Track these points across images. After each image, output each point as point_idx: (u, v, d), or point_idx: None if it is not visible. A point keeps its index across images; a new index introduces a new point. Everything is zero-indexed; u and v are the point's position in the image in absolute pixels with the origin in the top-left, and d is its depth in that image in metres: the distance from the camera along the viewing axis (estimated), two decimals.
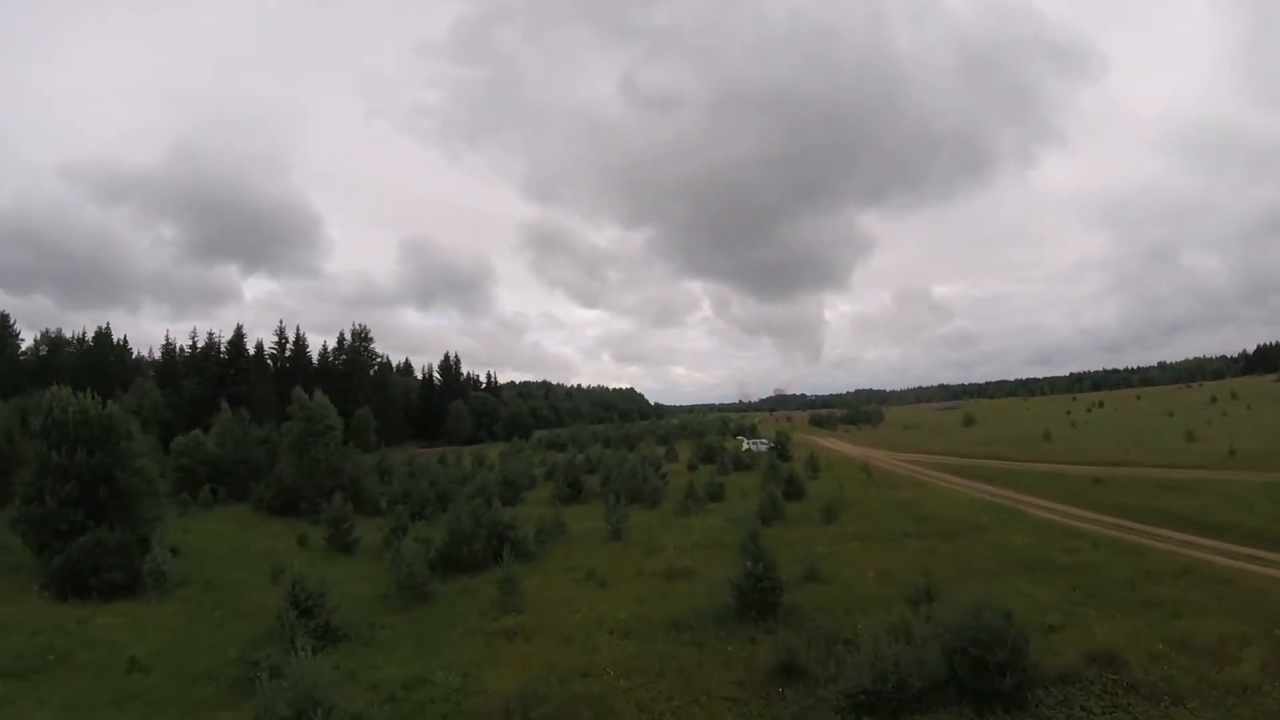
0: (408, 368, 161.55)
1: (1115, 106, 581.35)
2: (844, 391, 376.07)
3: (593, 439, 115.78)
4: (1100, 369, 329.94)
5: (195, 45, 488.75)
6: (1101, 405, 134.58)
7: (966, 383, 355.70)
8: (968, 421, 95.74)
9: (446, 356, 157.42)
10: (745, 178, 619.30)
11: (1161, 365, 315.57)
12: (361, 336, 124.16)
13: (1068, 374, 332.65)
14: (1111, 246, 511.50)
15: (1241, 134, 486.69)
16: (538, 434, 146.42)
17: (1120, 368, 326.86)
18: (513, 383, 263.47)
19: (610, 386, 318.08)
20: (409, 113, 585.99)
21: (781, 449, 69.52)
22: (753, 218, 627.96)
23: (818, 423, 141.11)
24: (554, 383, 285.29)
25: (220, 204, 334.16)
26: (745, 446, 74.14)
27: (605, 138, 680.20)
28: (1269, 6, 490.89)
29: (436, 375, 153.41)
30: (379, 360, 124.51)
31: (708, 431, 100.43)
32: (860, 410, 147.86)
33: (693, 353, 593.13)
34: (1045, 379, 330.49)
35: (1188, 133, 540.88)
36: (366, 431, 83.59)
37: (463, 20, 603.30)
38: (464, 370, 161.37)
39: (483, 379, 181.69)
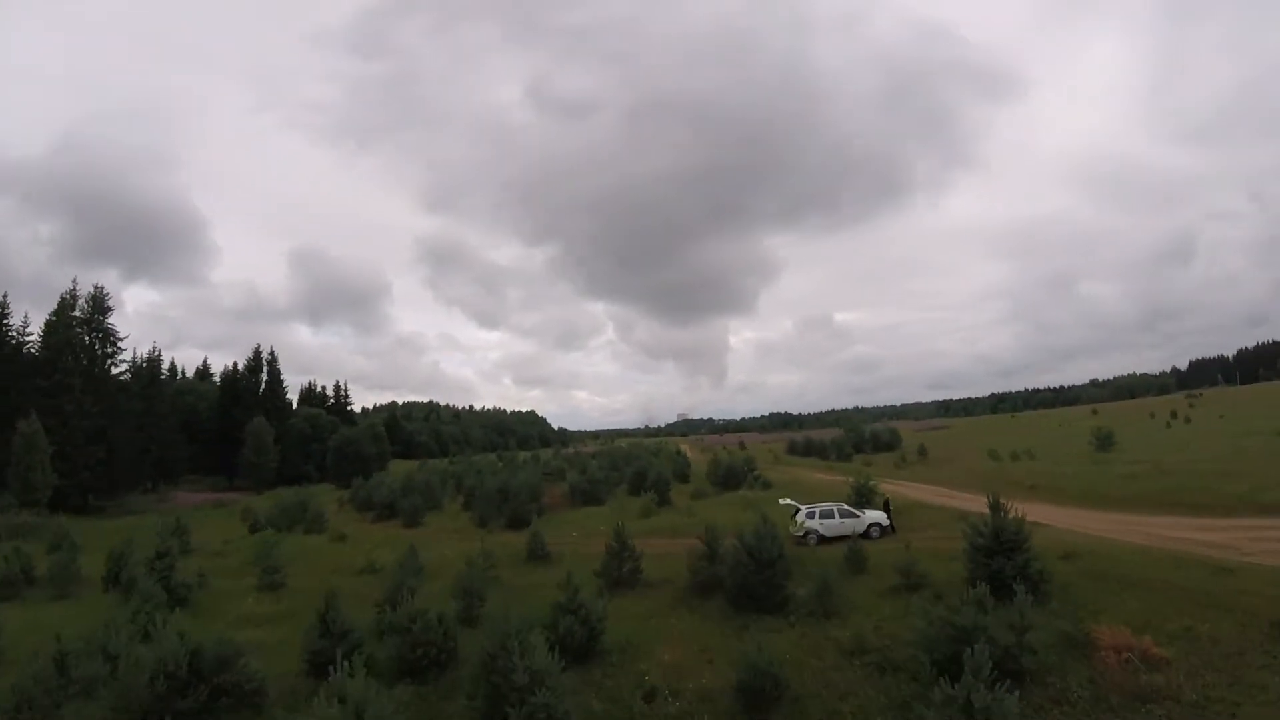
0: (205, 370, 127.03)
1: (1030, 136, 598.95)
2: (751, 415, 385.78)
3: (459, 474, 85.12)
4: (995, 392, 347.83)
5: (83, 28, 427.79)
6: (1181, 413, 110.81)
7: (869, 406, 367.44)
8: (1104, 444, 69.24)
9: (257, 352, 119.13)
10: (656, 195, 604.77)
11: (1094, 382, 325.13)
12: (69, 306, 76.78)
13: (988, 394, 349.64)
14: (1012, 275, 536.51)
15: (1142, 169, 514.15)
16: (404, 465, 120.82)
17: (1010, 390, 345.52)
18: (394, 402, 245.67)
19: (509, 410, 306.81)
20: (301, 108, 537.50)
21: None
22: (661, 238, 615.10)
23: (796, 451, 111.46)
24: (442, 404, 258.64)
25: (103, 201, 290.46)
26: (805, 521, 36.63)
27: (509, 145, 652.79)
28: (1177, 52, 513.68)
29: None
30: (115, 350, 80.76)
31: (650, 464, 71.14)
32: (861, 434, 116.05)
33: (596, 376, 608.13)
34: (962, 399, 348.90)
35: (1093, 166, 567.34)
36: (30, 460, 49.19)
37: (363, 10, 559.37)
38: (284, 376, 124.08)
39: (328, 391, 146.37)
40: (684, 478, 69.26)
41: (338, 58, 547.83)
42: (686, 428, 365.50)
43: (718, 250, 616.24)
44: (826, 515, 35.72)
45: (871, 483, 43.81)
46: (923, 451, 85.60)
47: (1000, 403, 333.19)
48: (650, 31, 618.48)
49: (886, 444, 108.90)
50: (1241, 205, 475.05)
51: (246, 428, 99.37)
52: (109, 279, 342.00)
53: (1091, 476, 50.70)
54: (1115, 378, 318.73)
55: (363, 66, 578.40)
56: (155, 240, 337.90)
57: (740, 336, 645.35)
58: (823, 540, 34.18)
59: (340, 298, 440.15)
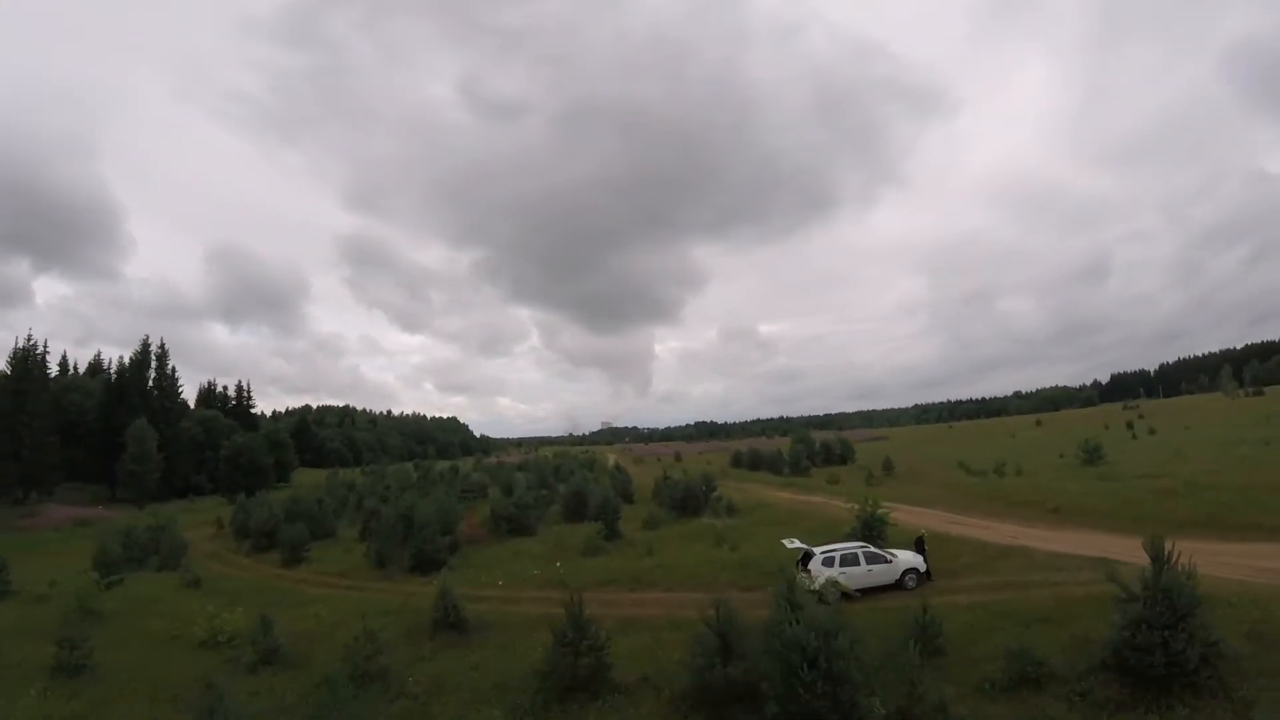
0: (98, 366, 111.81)
1: (956, 155, 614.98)
2: (676, 424, 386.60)
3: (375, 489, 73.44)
4: (914, 404, 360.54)
5: None
6: (1134, 425, 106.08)
7: (793, 415, 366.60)
8: (1092, 457, 63.16)
9: (145, 345, 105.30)
10: (585, 201, 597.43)
11: (1018, 394, 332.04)
12: None
13: (911, 405, 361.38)
14: (933, 290, 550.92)
15: (1063, 190, 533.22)
16: (313, 475, 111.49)
17: (933, 401, 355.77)
18: (308, 406, 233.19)
19: (429, 416, 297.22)
20: (224, 98, 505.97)
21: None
22: (589, 244, 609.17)
23: (741, 464, 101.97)
24: (360, 409, 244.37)
25: (13, 187, 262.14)
26: (821, 570, 26.19)
27: (438, 145, 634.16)
28: (1103, 78, 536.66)
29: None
30: None
31: (586, 481, 60.83)
32: (811, 445, 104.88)
33: (520, 384, 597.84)
34: (885, 410, 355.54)
35: (1016, 186, 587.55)
36: None
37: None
38: (179, 373, 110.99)
39: (230, 392, 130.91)
40: (628, 497, 59.88)
41: (264, 47, 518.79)
42: (611, 436, 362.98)
43: (645, 259, 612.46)
44: (849, 561, 26.45)
45: (881, 510, 34.46)
46: (889, 466, 77.43)
47: (924, 413, 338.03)
48: (586, 35, 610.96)
49: (839, 456, 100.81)
50: (1157, 227, 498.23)
51: (127, 431, 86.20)
52: (20, 269, 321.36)
53: (1114, 495, 42.70)
54: (1039, 390, 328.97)
55: (290, 57, 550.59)
56: (68, 230, 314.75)
57: (665, 345, 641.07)
58: (845, 596, 24.61)
59: (258, 296, 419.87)
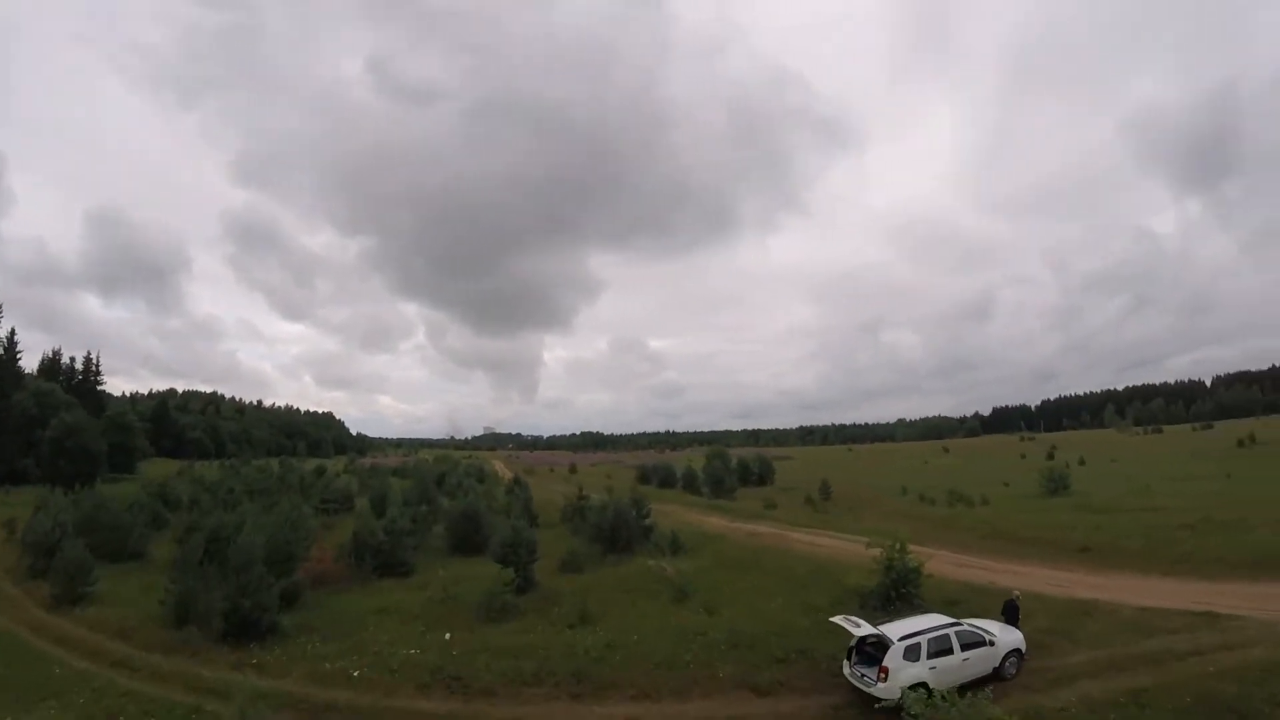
0: None
1: (858, 190, 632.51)
2: (560, 432, 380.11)
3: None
4: (799, 425, 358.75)
5: None
6: (1083, 462, 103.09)
7: (680, 430, 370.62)
8: (1058, 486, 57.12)
9: None
10: (485, 197, 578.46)
11: (903, 421, 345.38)
12: None
13: (796, 426, 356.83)
14: (823, 317, 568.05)
15: (955, 233, 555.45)
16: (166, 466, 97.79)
17: (817, 424, 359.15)
18: (174, 390, 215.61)
19: (304, 410, 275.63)
20: (124, 48, 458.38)
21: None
22: (484, 243, 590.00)
23: (649, 480, 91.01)
24: (229, 397, 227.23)
25: None
26: (901, 664, 17.23)
27: (341, 124, 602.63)
28: (1007, 131, 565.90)
29: None
30: None
31: (479, 497, 48.95)
32: (726, 461, 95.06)
33: (403, 382, 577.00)
34: (770, 429, 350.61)
35: (911, 224, 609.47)
36: None
37: None
38: (18, 337, 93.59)
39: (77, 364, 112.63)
40: (531, 518, 48.23)
41: None
42: (494, 441, 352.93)
43: (542, 262, 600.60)
44: (940, 649, 17.69)
45: (910, 558, 25.12)
46: (826, 491, 68.79)
47: (809, 434, 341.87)
48: (509, 29, 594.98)
49: (758, 476, 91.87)
50: (1042, 274, 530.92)
51: None
52: None
53: (1135, 532, 35.84)
54: (924, 418, 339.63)
55: (202, 13, 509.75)
56: None
57: (554, 352, 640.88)
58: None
59: (136, 268, 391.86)
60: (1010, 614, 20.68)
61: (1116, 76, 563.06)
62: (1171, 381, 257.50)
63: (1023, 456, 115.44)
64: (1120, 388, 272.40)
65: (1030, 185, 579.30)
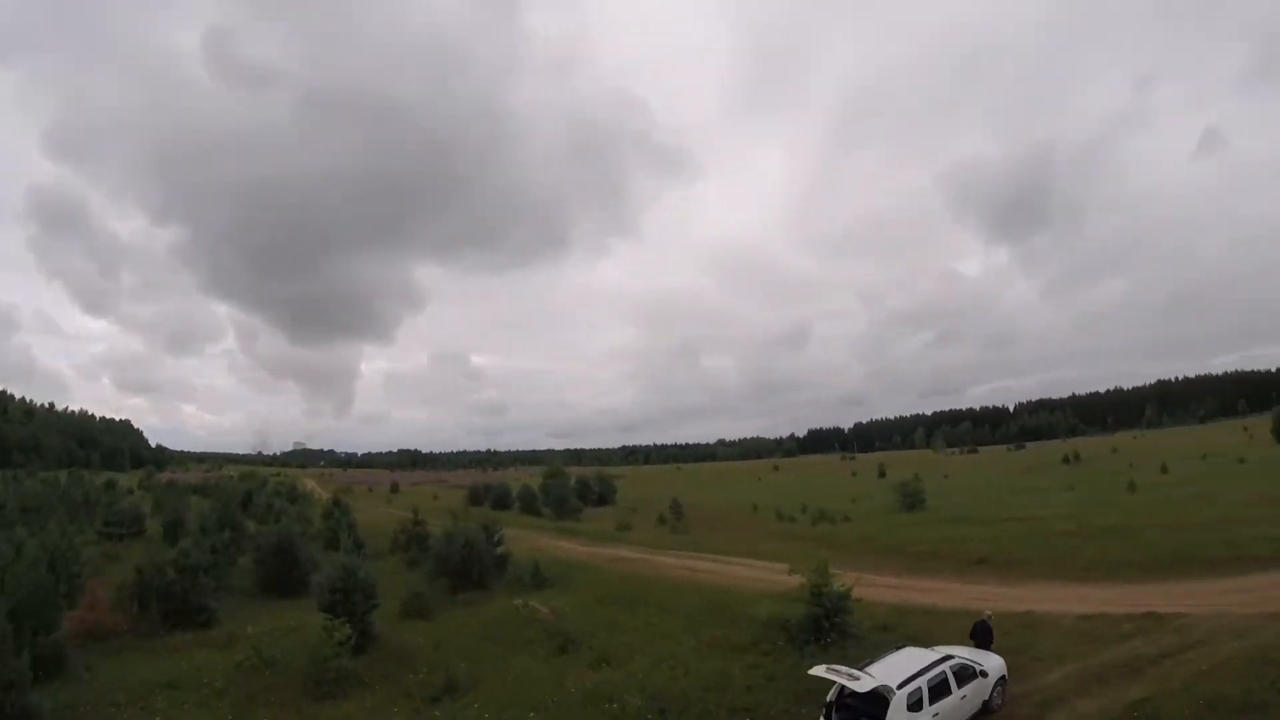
0: None
1: (686, 218, 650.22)
2: (377, 450, 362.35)
3: None
4: (620, 445, 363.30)
5: None
6: (918, 478, 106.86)
7: (500, 450, 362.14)
8: (913, 501, 57.44)
9: None
10: (310, 195, 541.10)
11: (723, 442, 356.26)
12: None
13: (618, 446, 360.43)
14: (644, 339, 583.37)
15: (776, 266, 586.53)
16: None
17: (639, 444, 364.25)
18: None
19: (99, 416, 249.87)
20: None
21: None
22: (306, 242, 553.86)
23: (480, 500, 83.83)
24: (18, 397, 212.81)
25: None
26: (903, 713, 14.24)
27: (166, 101, 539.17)
28: (829, 173, 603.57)
29: None
30: None
31: (291, 518, 41.48)
32: (566, 480, 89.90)
33: (209, 390, 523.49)
34: (592, 449, 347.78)
35: (735, 255, 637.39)
36: None
37: None
38: None
39: None
40: (358, 547, 40.14)
41: None
42: (305, 458, 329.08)
43: (365, 268, 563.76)
44: (940, 690, 14.77)
45: (839, 583, 21.53)
46: (678, 510, 65.66)
47: (630, 454, 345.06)
48: (356, 18, 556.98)
49: (599, 495, 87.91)
50: (855, 308, 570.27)
51: None
52: None
53: (1027, 542, 35.77)
54: (742, 439, 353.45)
55: None
56: None
57: (373, 364, 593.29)
58: None
59: None
60: (983, 637, 18.04)
61: (939, 132, 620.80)
62: (976, 407, 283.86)
63: (854, 474, 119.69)
64: (929, 412, 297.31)
65: (850, 227, 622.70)
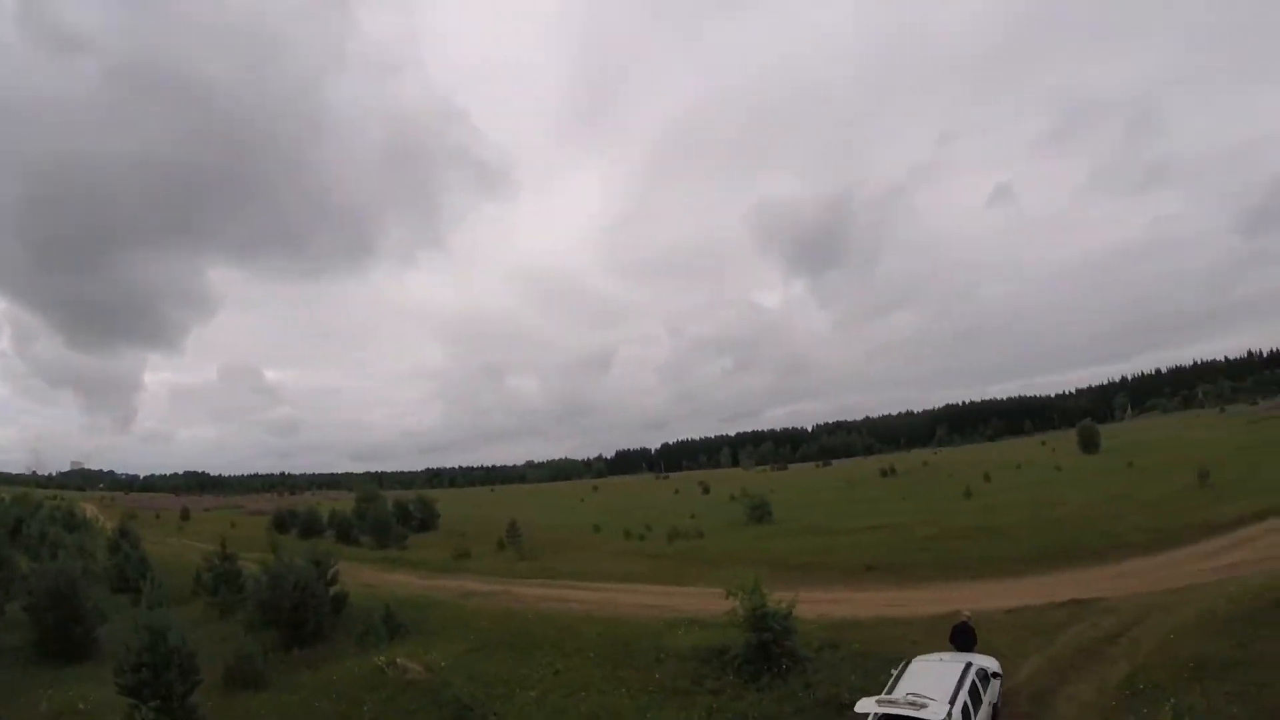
0: None
1: (500, 237, 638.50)
2: (161, 472, 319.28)
3: None
4: (424, 467, 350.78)
5: None
6: (745, 493, 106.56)
7: (296, 472, 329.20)
8: (760, 514, 57.72)
9: None
10: (107, 178, 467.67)
11: (531, 464, 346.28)
12: None
13: (423, 469, 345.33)
14: (449, 358, 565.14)
15: (585, 290, 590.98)
16: None
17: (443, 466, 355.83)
18: None
19: None
20: None
21: None
22: (94, 233, 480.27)
23: (287, 527, 73.84)
24: None
25: None
26: None
27: None
28: (643, 203, 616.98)
29: None
30: None
31: (68, 553, 33.16)
32: (383, 504, 79.77)
33: None
34: (394, 472, 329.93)
35: (545, 277, 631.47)
36: None
37: None
38: None
39: None
40: (155, 591, 32.38)
41: None
42: (83, 479, 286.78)
43: (154, 267, 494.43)
44: (974, 698, 13.51)
45: (778, 604, 19.14)
46: (514, 533, 60.72)
47: (435, 476, 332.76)
48: None
49: (421, 520, 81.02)
50: (660, 334, 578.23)
51: None
52: None
53: (907, 548, 36.58)
54: (551, 460, 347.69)
55: None
56: None
57: (157, 375, 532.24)
58: None
59: None
60: (965, 639, 16.97)
61: (751, 169, 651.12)
62: (777, 429, 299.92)
63: (676, 491, 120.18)
64: (732, 433, 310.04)
65: (660, 256, 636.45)
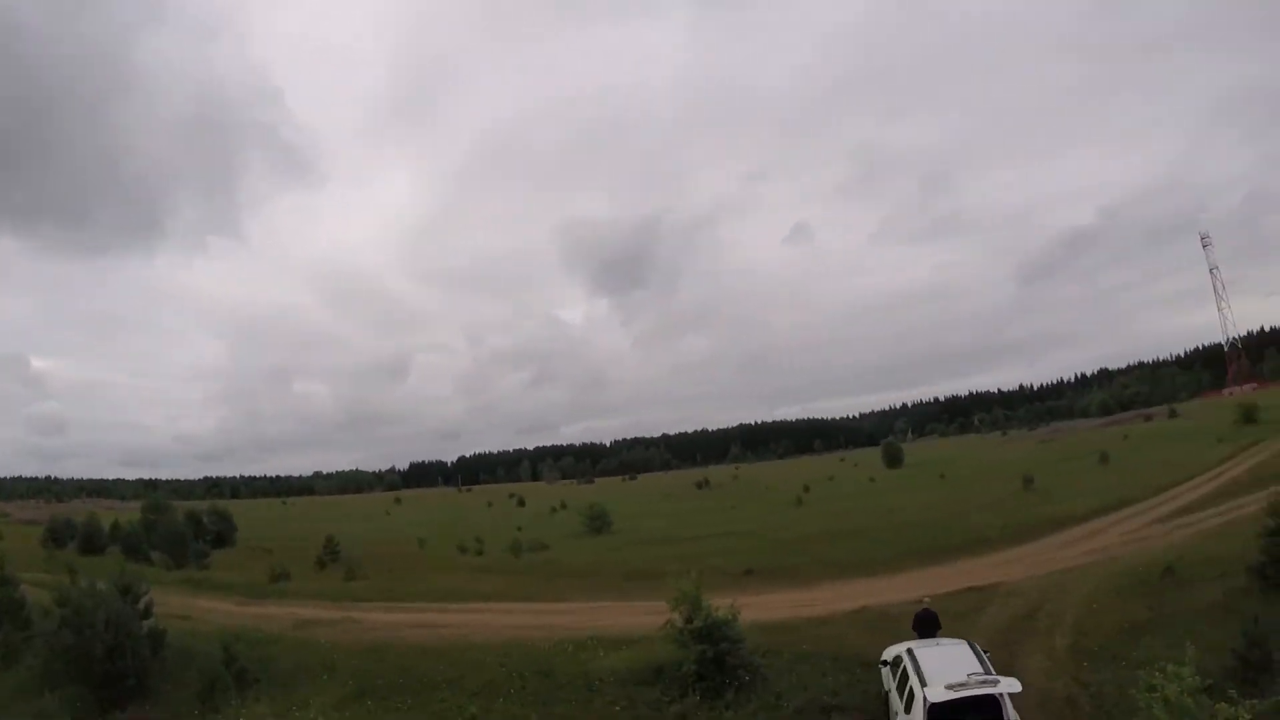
0: None
1: (293, 227, 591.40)
2: None
3: None
4: (202, 476, 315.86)
5: None
6: (565, 506, 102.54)
7: (64, 477, 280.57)
8: (600, 526, 57.78)
9: None
10: None
11: (319, 475, 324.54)
12: None
13: (201, 477, 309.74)
14: (234, 357, 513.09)
15: (384, 294, 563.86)
16: None
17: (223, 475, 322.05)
18: None
19: None
20: None
21: None
22: None
23: (64, 539, 61.57)
24: None
25: None
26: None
27: None
28: (449, 212, 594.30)
29: None
30: None
31: None
32: (227, 518, 68.75)
33: None
34: (170, 480, 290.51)
35: (342, 277, 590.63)
36: None
37: None
38: None
39: None
40: None
41: None
42: None
43: None
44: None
45: (720, 611, 17.72)
46: (334, 552, 55.18)
47: (214, 486, 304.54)
48: None
49: (217, 534, 71.30)
50: (460, 344, 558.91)
51: None
52: None
53: (767, 551, 38.08)
54: (340, 471, 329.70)
55: None
56: None
57: None
58: None
59: None
60: (929, 626, 16.91)
61: (563, 186, 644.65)
62: (576, 443, 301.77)
63: (489, 504, 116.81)
64: (530, 447, 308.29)
65: (465, 264, 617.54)
